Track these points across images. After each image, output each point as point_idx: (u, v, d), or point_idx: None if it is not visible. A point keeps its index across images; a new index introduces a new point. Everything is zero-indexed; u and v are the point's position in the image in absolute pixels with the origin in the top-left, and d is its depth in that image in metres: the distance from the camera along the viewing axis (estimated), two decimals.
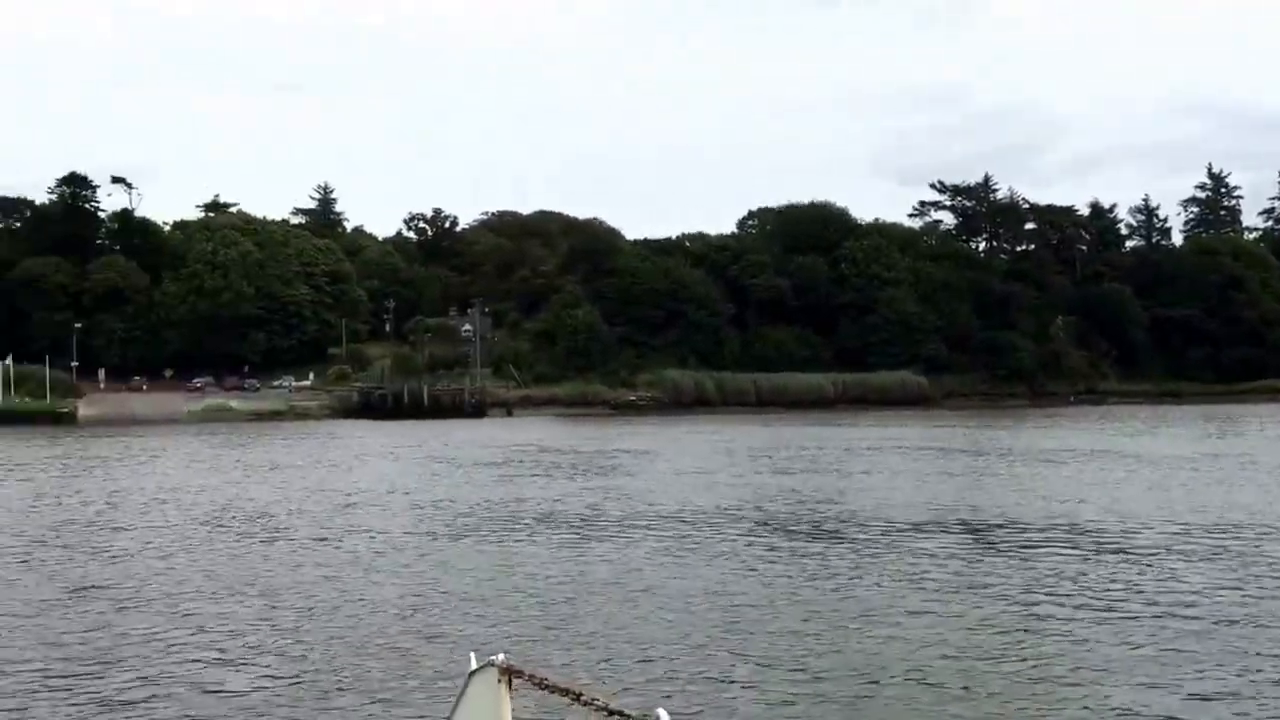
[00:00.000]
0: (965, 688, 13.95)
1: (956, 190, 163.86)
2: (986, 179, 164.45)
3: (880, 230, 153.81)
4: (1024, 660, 15.19)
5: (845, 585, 20.57)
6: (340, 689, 13.95)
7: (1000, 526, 28.36)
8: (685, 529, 28.04)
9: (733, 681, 14.35)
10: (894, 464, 48.73)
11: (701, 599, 19.28)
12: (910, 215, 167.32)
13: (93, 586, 20.89)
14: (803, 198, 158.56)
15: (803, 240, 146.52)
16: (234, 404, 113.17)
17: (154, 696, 13.76)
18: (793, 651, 15.69)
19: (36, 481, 43.76)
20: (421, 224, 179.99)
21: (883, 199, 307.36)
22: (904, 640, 16.29)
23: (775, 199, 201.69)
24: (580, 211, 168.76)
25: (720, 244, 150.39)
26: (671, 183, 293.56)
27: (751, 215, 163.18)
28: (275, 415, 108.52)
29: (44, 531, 28.63)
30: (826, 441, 64.49)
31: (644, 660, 15.32)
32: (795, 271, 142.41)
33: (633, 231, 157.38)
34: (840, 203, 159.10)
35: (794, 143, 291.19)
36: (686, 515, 30.69)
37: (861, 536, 26.65)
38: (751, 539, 26.34)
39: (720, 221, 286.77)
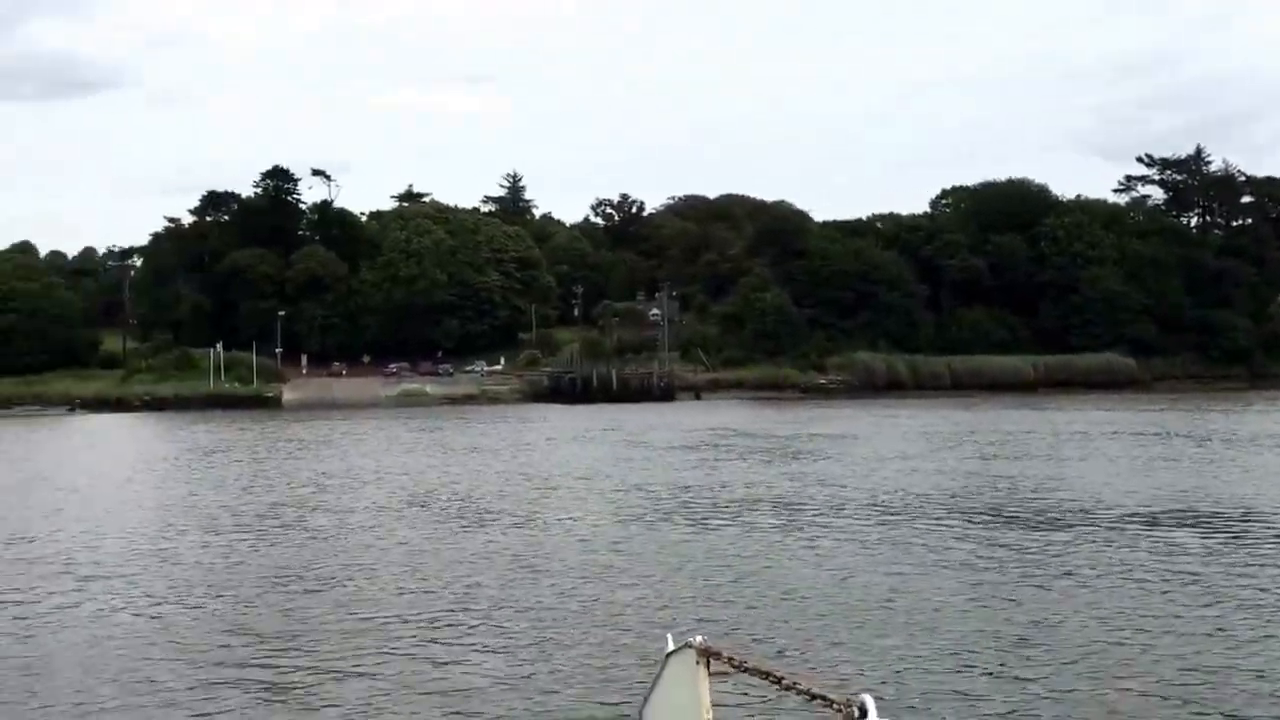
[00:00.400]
0: (1195, 703, 12.41)
1: (1166, 163, 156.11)
2: (1198, 151, 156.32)
3: (1083, 207, 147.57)
4: (1268, 675, 13.49)
5: (1064, 579, 19.06)
6: (539, 671, 13.70)
7: (1239, 519, 26.12)
8: (890, 516, 26.70)
9: (939, 673, 13.41)
10: (1109, 449, 46.10)
11: (908, 590, 18.21)
12: (1115, 191, 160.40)
13: (303, 566, 20.83)
14: (999, 175, 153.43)
15: (1000, 218, 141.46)
16: (429, 388, 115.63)
17: (358, 674, 13.52)
18: (1003, 647, 14.58)
19: (248, 464, 44.88)
20: (608, 209, 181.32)
21: (1085, 175, 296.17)
22: (1128, 643, 14.85)
23: (970, 178, 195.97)
24: (767, 194, 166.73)
25: (913, 224, 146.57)
26: (862, 163, 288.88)
27: (945, 194, 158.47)
28: (468, 399, 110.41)
29: (258, 512, 29.00)
30: (1032, 425, 61.76)
31: (844, 647, 14.59)
32: (992, 251, 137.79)
33: (821, 213, 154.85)
34: (1039, 180, 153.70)
35: (989, 120, 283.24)
36: (891, 502, 29.33)
37: (1081, 527, 24.84)
38: (960, 527, 24.85)
39: (913, 201, 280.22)
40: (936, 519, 26.14)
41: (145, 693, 13.01)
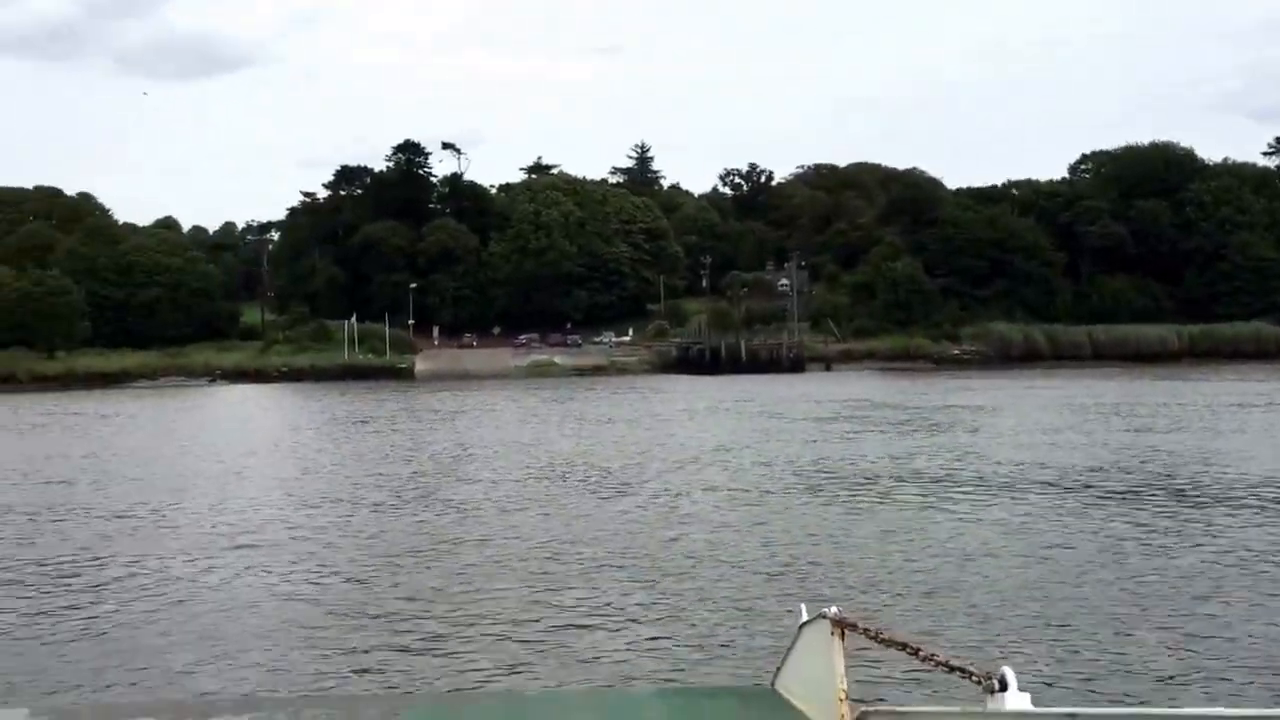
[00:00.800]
0: None
1: None
2: None
3: (1231, 170, 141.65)
4: None
5: (1228, 556, 17.87)
6: (673, 639, 13.56)
7: None
8: (1041, 491, 25.52)
9: (1085, 651, 12.66)
10: (1269, 422, 43.91)
11: (1057, 567, 17.28)
12: (1265, 153, 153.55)
13: (441, 537, 20.65)
14: (1142, 139, 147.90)
15: (1143, 183, 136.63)
16: (558, 359, 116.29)
17: (493, 640, 13.37)
18: (1159, 627, 13.69)
19: (386, 434, 45.26)
20: (737, 179, 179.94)
21: (1234, 138, 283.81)
22: None
23: (1111, 141, 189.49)
24: (899, 162, 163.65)
25: (1051, 190, 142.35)
26: (997, 129, 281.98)
27: (1085, 159, 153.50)
28: (597, 370, 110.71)
29: (398, 483, 29.02)
30: (1183, 397, 59.28)
31: (985, 623, 13.93)
32: (1135, 216, 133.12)
33: (954, 180, 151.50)
34: (1185, 143, 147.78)
35: (1132, 82, 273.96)
36: (1041, 476, 28.06)
37: (1246, 503, 23.39)
38: (1115, 503, 23.59)
39: (1050, 167, 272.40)
40: (1090, 494, 24.93)
41: (273, 662, 12.91)
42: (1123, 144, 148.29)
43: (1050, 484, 26.56)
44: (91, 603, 15.88)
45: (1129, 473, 28.61)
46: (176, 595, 16.28)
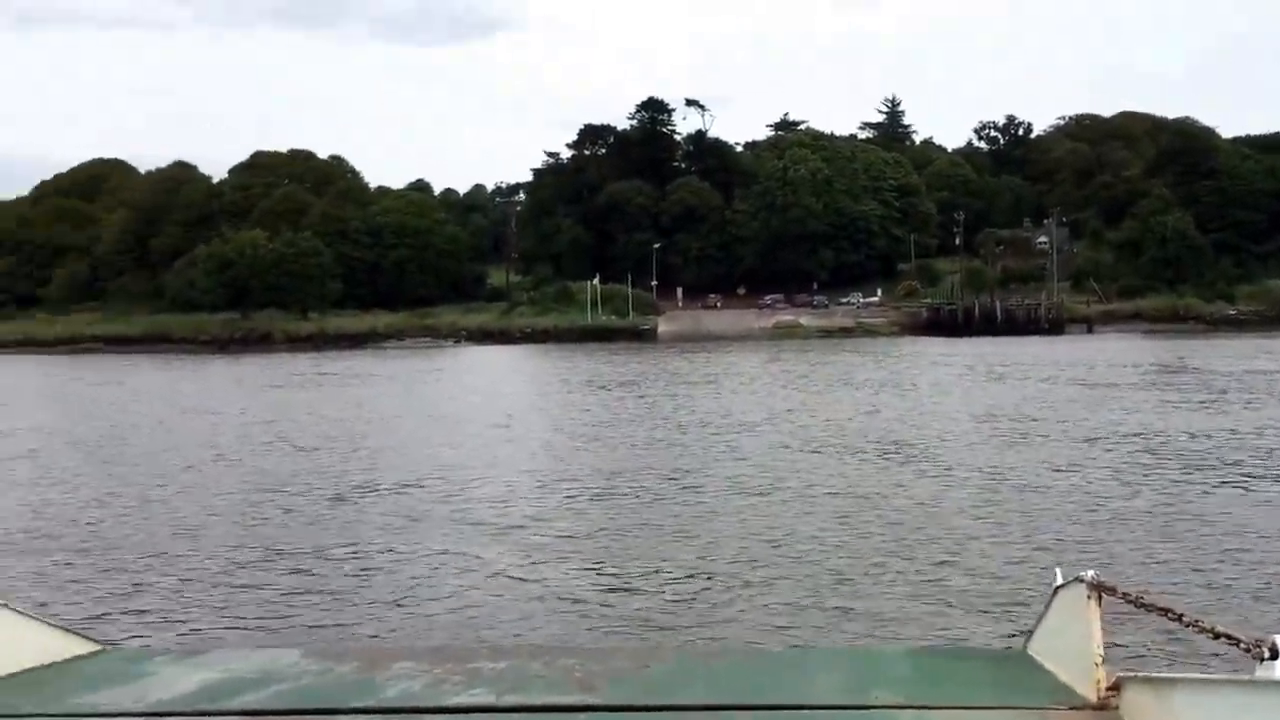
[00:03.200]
0: None
1: None
2: None
3: None
4: None
5: None
6: (923, 598, 13.30)
7: None
8: None
9: None
10: None
11: None
12: None
13: (707, 513, 19.04)
14: None
15: None
16: (803, 321, 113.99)
17: (760, 608, 12.90)
18: None
19: (640, 400, 43.91)
20: (993, 132, 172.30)
21: None
22: None
23: None
24: (1168, 111, 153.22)
25: None
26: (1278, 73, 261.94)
27: None
28: (844, 332, 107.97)
29: (664, 457, 27.18)
30: None
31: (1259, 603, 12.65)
32: None
33: (1230, 130, 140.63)
34: None
35: None
36: None
37: None
38: None
39: None
40: None
41: (528, 626, 11.56)
42: None
43: None
44: (352, 572, 15.43)
45: None
46: (435, 570, 15.51)
